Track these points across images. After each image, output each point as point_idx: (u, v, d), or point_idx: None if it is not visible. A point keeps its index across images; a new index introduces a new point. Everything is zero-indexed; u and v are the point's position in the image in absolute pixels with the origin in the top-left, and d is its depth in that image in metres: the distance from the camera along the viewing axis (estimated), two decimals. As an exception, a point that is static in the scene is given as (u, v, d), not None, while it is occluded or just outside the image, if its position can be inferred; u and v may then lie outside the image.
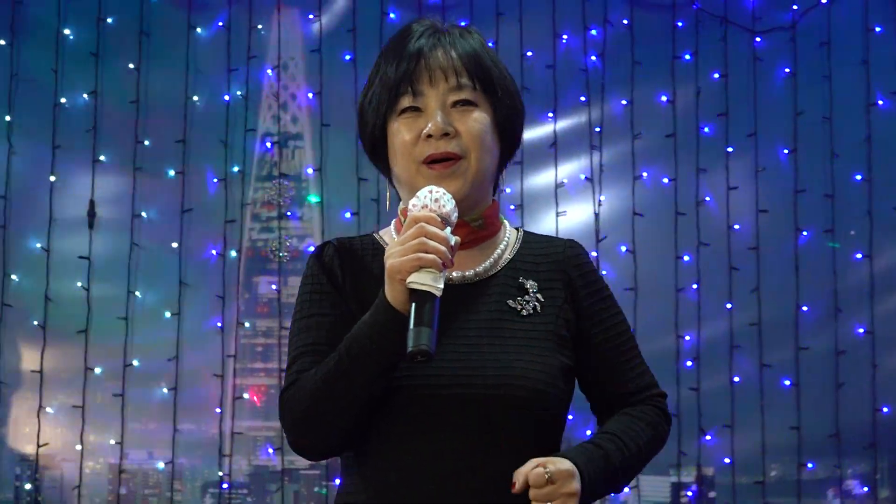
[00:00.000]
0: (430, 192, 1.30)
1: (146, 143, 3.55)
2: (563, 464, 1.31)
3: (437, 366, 1.30)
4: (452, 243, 1.28)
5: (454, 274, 1.42)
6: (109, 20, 3.49)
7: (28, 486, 3.69)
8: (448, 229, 1.28)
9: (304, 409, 1.37)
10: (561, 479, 1.29)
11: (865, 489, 3.52)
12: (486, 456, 1.36)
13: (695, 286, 3.51)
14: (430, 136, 1.36)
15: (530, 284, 1.47)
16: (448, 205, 1.29)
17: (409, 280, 1.25)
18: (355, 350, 1.32)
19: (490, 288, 1.44)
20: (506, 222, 1.49)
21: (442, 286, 1.25)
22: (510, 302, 1.44)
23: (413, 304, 1.25)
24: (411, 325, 1.23)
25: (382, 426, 1.38)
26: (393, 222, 1.48)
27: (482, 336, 1.40)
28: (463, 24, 1.49)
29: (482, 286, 1.43)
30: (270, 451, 3.73)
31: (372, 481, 1.41)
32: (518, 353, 1.41)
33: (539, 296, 1.47)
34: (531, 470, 1.30)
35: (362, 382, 1.32)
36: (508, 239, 1.49)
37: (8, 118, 3.42)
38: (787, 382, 3.47)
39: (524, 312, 1.44)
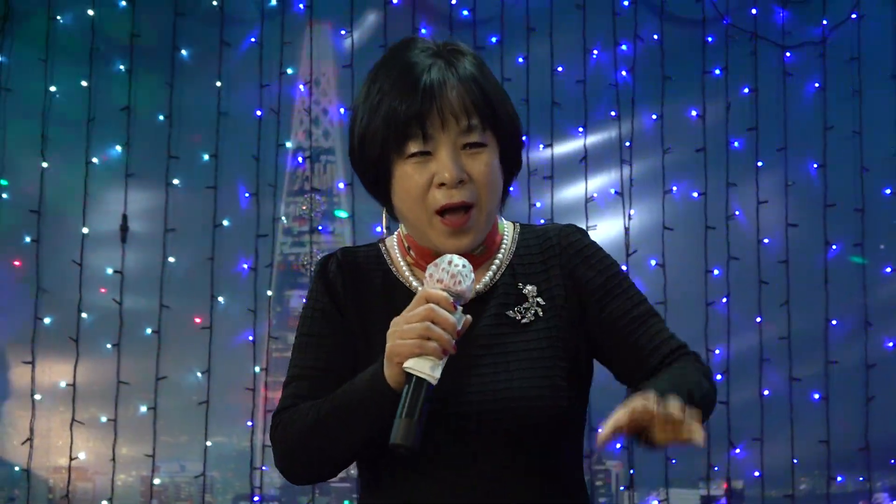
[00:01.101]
0: (450, 263, 1.26)
1: (179, 158, 3.56)
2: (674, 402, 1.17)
3: (439, 389, 1.26)
4: (460, 327, 1.24)
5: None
6: (142, 37, 3.49)
7: (61, 498, 3.68)
8: (460, 310, 1.25)
9: (298, 440, 1.36)
10: (679, 408, 1.15)
11: (895, 503, 3.53)
12: (495, 475, 1.35)
13: (724, 300, 3.50)
14: (443, 184, 1.32)
15: (529, 290, 1.44)
16: (465, 282, 1.25)
17: (406, 364, 1.21)
18: (354, 405, 1.30)
19: (490, 300, 1.41)
20: (502, 223, 1.46)
21: (439, 374, 1.22)
22: (510, 312, 1.41)
23: (406, 391, 1.22)
24: (399, 414, 1.21)
25: (391, 451, 1.34)
26: (397, 236, 1.45)
27: (482, 355, 1.37)
28: (458, 43, 1.42)
29: (482, 300, 1.39)
30: None
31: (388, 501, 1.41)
32: (519, 371, 1.37)
33: (539, 299, 1.43)
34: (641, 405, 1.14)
35: (357, 430, 1.31)
36: (506, 244, 1.46)
37: (42, 133, 3.43)
38: (817, 396, 3.46)
39: (525, 321, 1.41)
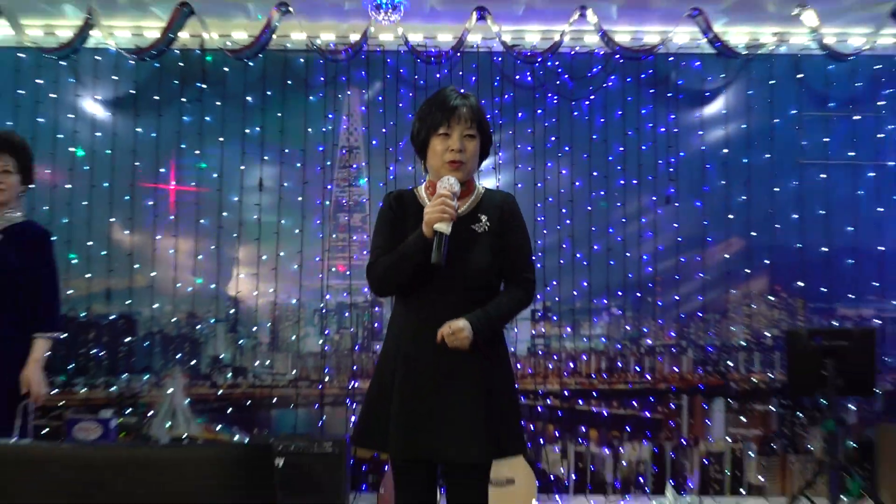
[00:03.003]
0: (449, 180, 2.24)
1: (286, 151, 6.11)
2: (457, 322, 2.25)
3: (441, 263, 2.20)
4: (457, 207, 2.16)
5: None
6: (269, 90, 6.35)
7: (231, 311, 6.12)
8: (455, 199, 2.17)
9: (380, 275, 2.40)
10: (455, 327, 2.27)
11: (619, 312, 6.42)
12: (458, 302, 2.35)
13: (542, 218, 6.30)
14: (452, 150, 2.27)
15: (483, 218, 2.42)
16: (456, 186, 2.23)
17: (435, 226, 2.14)
18: (409, 250, 2.29)
19: (466, 219, 2.35)
20: (478, 185, 2.43)
21: (450, 230, 2.12)
22: (473, 226, 2.39)
23: (436, 238, 2.14)
24: (434, 248, 2.14)
25: (412, 288, 2.38)
26: (424, 184, 2.39)
27: (461, 245, 2.31)
28: (464, 91, 2.36)
29: (463, 219, 2.34)
30: (344, 295, 6.13)
31: (403, 314, 2.47)
32: (478, 254, 2.36)
33: (487, 222, 2.39)
34: (442, 330, 2.23)
35: (410, 263, 2.30)
36: (477, 194, 2.42)
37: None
38: (585, 258, 6.34)
39: (479, 230, 2.39)
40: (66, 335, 5.67)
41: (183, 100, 6.26)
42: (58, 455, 1.54)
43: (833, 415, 5.36)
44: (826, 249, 6.38)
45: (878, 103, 6.44)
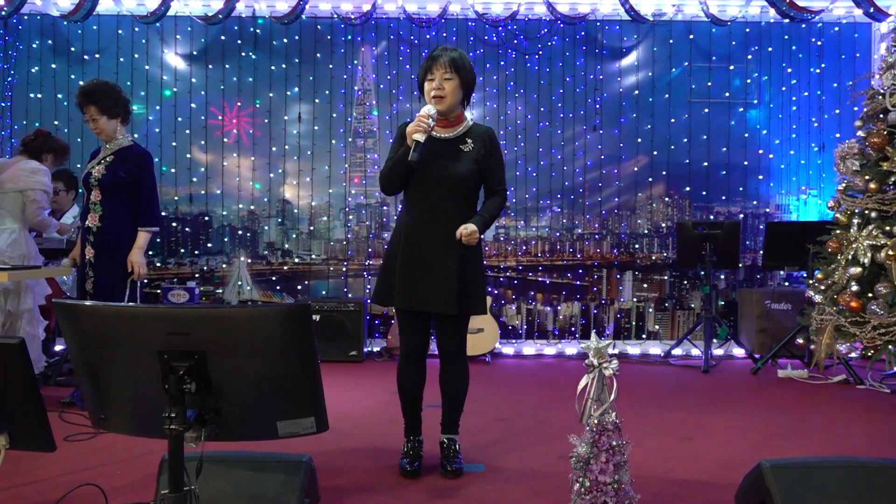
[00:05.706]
0: (429, 108, 2.81)
1: (317, 93, 7.84)
2: (470, 226, 2.80)
3: (430, 168, 2.73)
4: (432, 124, 2.72)
5: (443, 135, 2.77)
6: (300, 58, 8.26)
7: (280, 210, 7.49)
8: (431, 120, 2.70)
9: (384, 177, 2.97)
10: (470, 230, 2.80)
11: (558, 209, 8.63)
12: (445, 200, 2.86)
13: (503, 143, 8.01)
14: (434, 88, 2.76)
15: (469, 141, 2.92)
16: (432, 111, 2.79)
17: (413, 136, 2.74)
18: (399, 158, 2.88)
19: (455, 141, 2.86)
20: (467, 117, 2.90)
21: (424, 139, 2.69)
22: (461, 146, 2.88)
23: (413, 144, 2.76)
24: (412, 150, 2.78)
25: (411, 188, 2.89)
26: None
27: (450, 158, 2.83)
28: (455, 47, 2.83)
29: (453, 140, 2.86)
30: (361, 198, 7.39)
31: (408, 209, 2.96)
32: (462, 166, 2.85)
33: (472, 145, 2.90)
34: (460, 231, 2.72)
35: (400, 167, 2.90)
36: (466, 125, 2.90)
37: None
38: (534, 171, 8.46)
39: (465, 150, 2.89)
40: (159, 229, 7.17)
41: (242, 54, 7.53)
42: (158, 313, 1.73)
43: (708, 282, 6.79)
44: (706, 164, 7.76)
45: (748, 57, 7.80)
